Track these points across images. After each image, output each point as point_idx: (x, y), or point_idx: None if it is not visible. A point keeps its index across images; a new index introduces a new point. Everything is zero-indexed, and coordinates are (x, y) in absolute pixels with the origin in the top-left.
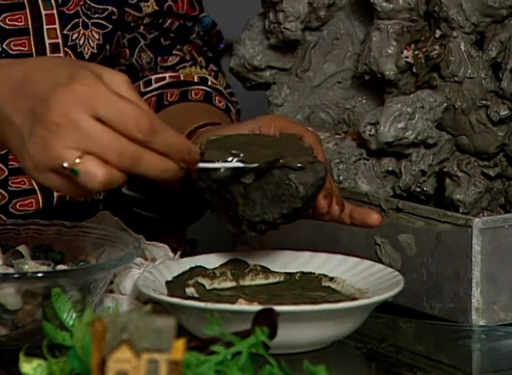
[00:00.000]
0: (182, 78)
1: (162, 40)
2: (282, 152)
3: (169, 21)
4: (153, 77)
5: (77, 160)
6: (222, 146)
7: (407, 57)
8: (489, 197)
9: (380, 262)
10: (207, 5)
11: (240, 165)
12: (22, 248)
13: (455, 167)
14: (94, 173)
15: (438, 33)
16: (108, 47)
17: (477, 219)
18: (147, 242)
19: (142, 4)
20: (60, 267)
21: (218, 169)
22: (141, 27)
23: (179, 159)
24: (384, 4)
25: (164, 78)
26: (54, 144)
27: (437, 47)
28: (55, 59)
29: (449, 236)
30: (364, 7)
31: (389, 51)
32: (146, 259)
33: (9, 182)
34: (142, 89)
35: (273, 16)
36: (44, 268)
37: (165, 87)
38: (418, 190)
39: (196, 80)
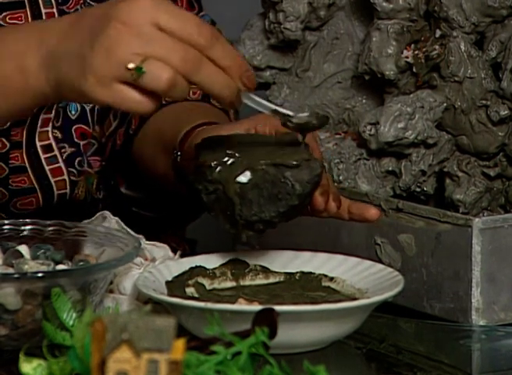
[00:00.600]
0: None
1: None
2: (277, 151)
3: None
4: None
5: (142, 61)
6: (215, 145)
7: (407, 57)
8: (489, 197)
9: (380, 262)
10: (207, 4)
11: (289, 113)
12: (22, 248)
13: (455, 167)
14: (159, 73)
15: (438, 33)
16: None
17: (477, 219)
18: (147, 242)
19: None
20: (60, 267)
21: (213, 168)
22: None
23: (238, 74)
24: (384, 4)
25: None
26: (117, 50)
27: (437, 47)
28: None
29: (449, 236)
30: (364, 7)
31: (389, 51)
32: (146, 259)
33: (10, 181)
34: None
35: (273, 15)
36: (44, 268)
37: None
38: (418, 190)
39: None
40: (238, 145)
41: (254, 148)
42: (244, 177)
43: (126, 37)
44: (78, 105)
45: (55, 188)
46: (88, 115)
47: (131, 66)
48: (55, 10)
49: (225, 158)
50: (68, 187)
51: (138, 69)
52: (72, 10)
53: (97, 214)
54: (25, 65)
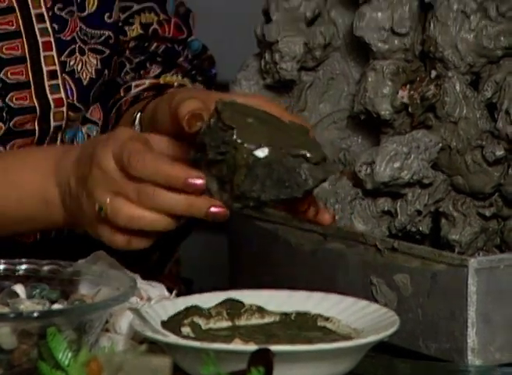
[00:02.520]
0: (161, 82)
1: (148, 64)
2: (298, 138)
3: (155, 44)
4: (133, 84)
5: (108, 200)
6: (237, 111)
7: (402, 97)
8: (485, 237)
9: (376, 301)
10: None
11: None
12: (17, 288)
13: (450, 207)
14: (118, 208)
15: (433, 73)
16: (106, 72)
17: (472, 259)
18: (143, 281)
19: (127, 28)
20: (56, 307)
21: (234, 130)
22: (127, 51)
23: (184, 186)
24: (380, 44)
25: (143, 83)
26: (94, 193)
27: (432, 87)
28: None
29: (445, 276)
30: (360, 47)
31: (385, 92)
32: (141, 299)
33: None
34: (122, 94)
35: (269, 56)
36: (40, 307)
37: (143, 90)
38: (414, 230)
39: (175, 85)
40: (261, 120)
41: (276, 128)
42: (262, 153)
43: (99, 180)
44: (85, 135)
45: None
46: None
47: (97, 206)
48: (52, 39)
49: (249, 127)
50: None
51: (100, 208)
52: (68, 38)
53: (93, 254)
54: (47, 199)
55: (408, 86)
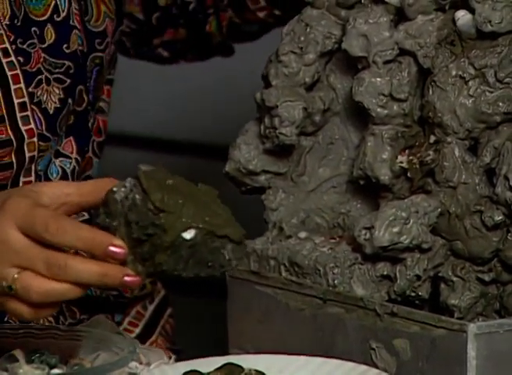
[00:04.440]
0: None
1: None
2: (216, 211)
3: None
4: None
5: (16, 276)
6: (158, 182)
7: (401, 162)
8: (484, 302)
9: (375, 366)
10: (204, 109)
11: None
12: (16, 352)
13: (450, 272)
14: (28, 284)
15: (432, 138)
16: (70, 101)
17: (472, 325)
18: (142, 346)
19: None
20: (55, 371)
21: (163, 214)
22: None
23: (104, 255)
24: (379, 109)
25: None
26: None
27: (431, 152)
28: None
29: (445, 341)
30: (359, 113)
31: (384, 156)
32: (141, 363)
33: None
34: None
35: (268, 120)
36: (39, 372)
37: None
38: (413, 294)
39: None
40: (182, 193)
41: (197, 201)
42: (189, 234)
43: (3, 253)
44: (59, 168)
45: None
46: (69, 177)
47: (4, 283)
48: (19, 71)
49: (176, 207)
50: None
51: (9, 287)
52: (34, 69)
53: (92, 318)
54: None
55: (407, 151)
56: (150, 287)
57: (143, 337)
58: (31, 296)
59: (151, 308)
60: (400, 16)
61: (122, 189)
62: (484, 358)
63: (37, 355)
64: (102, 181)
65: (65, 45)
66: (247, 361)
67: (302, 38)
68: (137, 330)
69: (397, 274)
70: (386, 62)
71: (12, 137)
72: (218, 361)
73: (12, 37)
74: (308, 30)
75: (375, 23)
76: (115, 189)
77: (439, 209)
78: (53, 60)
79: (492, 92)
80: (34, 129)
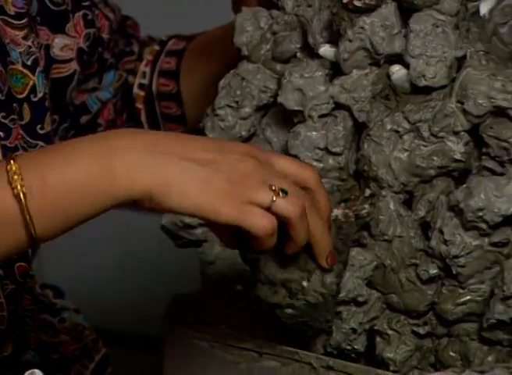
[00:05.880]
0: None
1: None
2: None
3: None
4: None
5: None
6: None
7: (337, 215)
8: (419, 355)
9: None
10: None
11: None
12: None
13: (385, 325)
14: (296, 200)
15: (367, 192)
16: None
17: None
18: None
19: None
20: None
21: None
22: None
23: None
24: (314, 163)
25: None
26: (255, 176)
27: (367, 206)
28: None
29: None
30: None
31: None
32: None
33: None
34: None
35: None
36: None
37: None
38: (349, 348)
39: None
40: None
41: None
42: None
43: (260, 169)
44: None
45: None
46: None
47: (274, 188)
48: None
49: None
50: None
51: (283, 190)
52: (12, 145)
53: (27, 373)
54: (112, 167)
55: (343, 204)
56: None
57: None
58: (295, 208)
59: (91, 366)
60: (335, 71)
61: None
62: None
63: None
64: None
65: (39, 126)
66: None
67: (238, 92)
68: None
69: (333, 328)
70: (322, 116)
71: None
72: None
73: None
74: (244, 83)
75: (311, 77)
76: None
77: (375, 263)
78: (28, 139)
79: (426, 146)
80: None
